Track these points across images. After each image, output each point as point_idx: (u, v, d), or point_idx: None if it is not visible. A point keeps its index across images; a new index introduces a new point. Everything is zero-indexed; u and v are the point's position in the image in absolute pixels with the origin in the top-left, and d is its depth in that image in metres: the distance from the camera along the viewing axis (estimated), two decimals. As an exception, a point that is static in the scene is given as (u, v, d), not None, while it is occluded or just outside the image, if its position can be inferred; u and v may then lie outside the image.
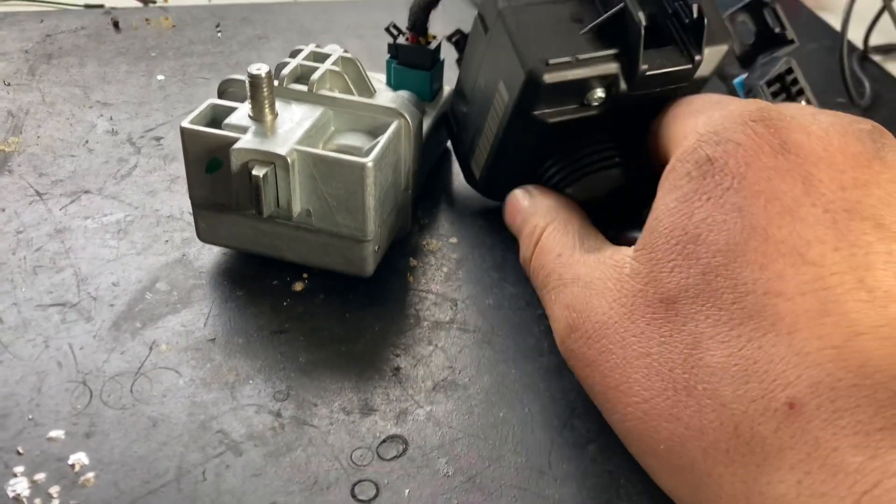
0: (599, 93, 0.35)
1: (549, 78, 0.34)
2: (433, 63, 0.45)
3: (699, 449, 0.25)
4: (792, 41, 0.42)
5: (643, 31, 0.34)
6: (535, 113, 0.35)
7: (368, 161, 0.34)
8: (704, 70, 0.36)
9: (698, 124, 0.29)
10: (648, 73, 0.34)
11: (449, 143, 0.50)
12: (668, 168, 0.29)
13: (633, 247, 0.30)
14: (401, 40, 0.45)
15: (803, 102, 0.44)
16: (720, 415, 0.25)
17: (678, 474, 0.26)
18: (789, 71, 0.42)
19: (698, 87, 0.38)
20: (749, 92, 0.45)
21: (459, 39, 0.46)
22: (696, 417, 0.25)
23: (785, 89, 0.44)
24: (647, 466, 0.29)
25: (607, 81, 0.35)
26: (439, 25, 0.45)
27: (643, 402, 0.27)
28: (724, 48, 0.36)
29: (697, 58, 0.35)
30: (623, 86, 0.35)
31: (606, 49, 0.34)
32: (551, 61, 0.34)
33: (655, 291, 0.27)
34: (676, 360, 0.26)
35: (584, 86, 0.35)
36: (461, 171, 0.44)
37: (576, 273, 0.31)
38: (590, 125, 0.37)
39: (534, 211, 0.36)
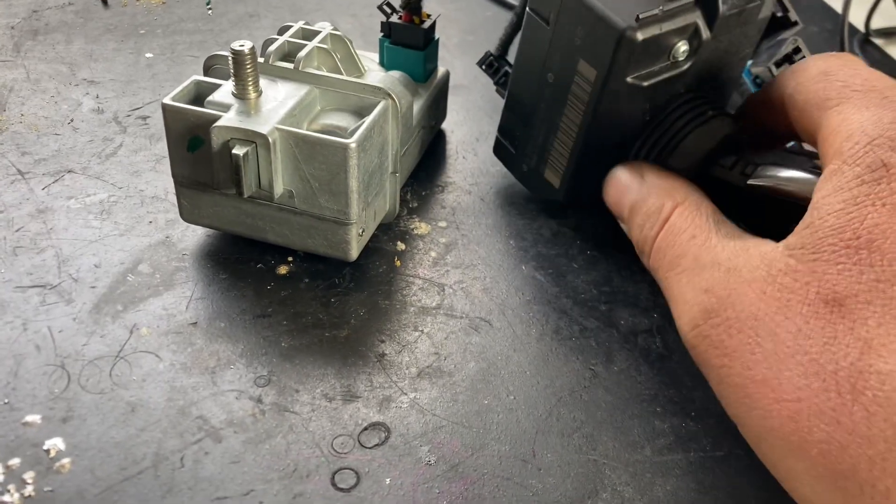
0: (684, 45, 0.35)
1: (642, 34, 0.33)
2: (427, 43, 0.44)
3: (864, 457, 0.24)
4: (796, 23, 0.41)
5: None
6: (630, 79, 0.34)
7: (351, 142, 0.33)
8: (766, 10, 0.37)
9: (866, 124, 0.28)
10: (728, 13, 0.35)
11: (444, 125, 0.49)
12: (831, 168, 0.28)
13: (783, 242, 0.28)
14: (394, 19, 0.44)
15: None
16: (894, 425, 0.24)
17: (831, 480, 0.25)
18: (797, 50, 0.41)
19: (759, 29, 0.38)
20: (756, 79, 0.44)
21: (493, 61, 0.44)
22: (862, 424, 0.24)
23: None
24: (786, 467, 0.27)
25: (690, 31, 0.35)
26: (434, 4, 0.45)
27: (796, 402, 0.26)
28: None
29: None
30: (705, 34, 0.35)
31: None
32: (642, 16, 0.33)
33: (818, 291, 0.26)
34: (842, 363, 0.25)
35: (669, 41, 0.34)
36: (530, 191, 0.42)
37: (715, 257, 0.30)
38: (674, 86, 0.36)
39: (653, 189, 0.35)
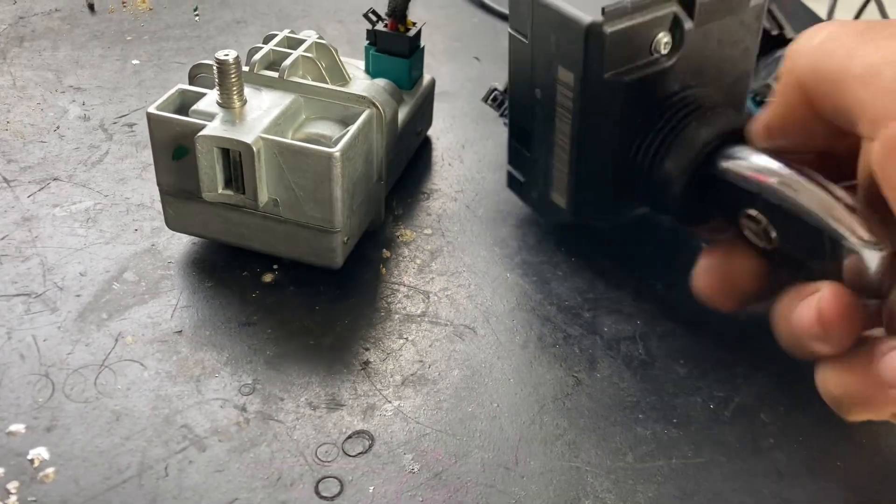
0: (665, 37, 0.34)
1: (610, 27, 0.33)
2: (412, 50, 0.45)
3: None
4: (791, 39, 0.41)
5: None
6: (607, 76, 0.34)
7: (336, 151, 0.33)
8: None
9: None
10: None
11: (430, 132, 0.49)
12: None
13: None
14: (380, 26, 0.44)
15: None
16: None
17: None
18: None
19: (757, 16, 0.37)
20: (756, 96, 0.44)
21: (497, 95, 0.44)
22: None
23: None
24: None
25: (669, 22, 0.34)
26: (420, 11, 0.45)
27: None
28: None
29: None
30: (687, 23, 0.34)
31: None
32: (607, 9, 0.32)
33: None
34: None
35: (647, 34, 0.34)
36: (544, 221, 0.42)
37: None
38: (665, 83, 0.35)
39: None
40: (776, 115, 0.31)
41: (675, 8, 0.34)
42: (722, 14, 0.35)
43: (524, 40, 0.37)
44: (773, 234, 0.31)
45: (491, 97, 0.44)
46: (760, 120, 0.32)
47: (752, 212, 0.31)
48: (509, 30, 0.38)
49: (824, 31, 0.29)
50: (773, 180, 0.30)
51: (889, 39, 0.27)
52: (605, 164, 0.37)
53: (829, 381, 0.29)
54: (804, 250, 0.30)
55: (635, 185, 0.36)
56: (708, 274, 0.34)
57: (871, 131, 0.26)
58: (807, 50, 0.29)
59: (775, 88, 0.40)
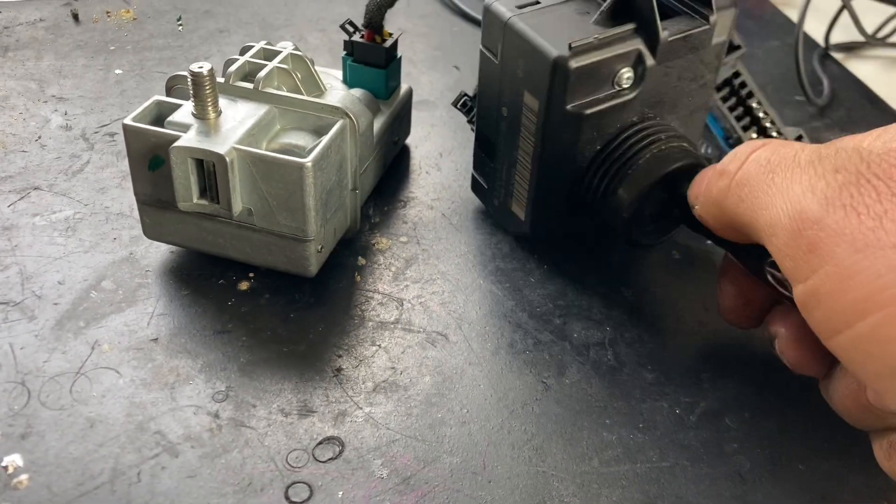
0: (628, 73, 0.35)
1: (576, 62, 0.34)
2: (388, 61, 0.45)
3: None
4: (739, 47, 0.42)
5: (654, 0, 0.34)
6: (570, 107, 0.35)
7: (307, 161, 0.34)
8: (720, 34, 0.37)
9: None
10: (671, 38, 0.35)
11: (408, 140, 0.50)
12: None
13: None
14: (356, 37, 0.45)
15: (754, 104, 0.44)
16: None
17: None
18: (736, 74, 0.42)
19: (717, 54, 0.38)
20: (728, 139, 0.45)
21: (467, 101, 0.45)
22: None
23: (734, 93, 0.44)
24: None
25: (633, 58, 0.35)
26: (401, 20, 0.45)
27: None
28: (733, 11, 0.37)
29: (712, 18, 0.36)
30: (649, 60, 0.35)
31: (623, 27, 0.35)
32: (574, 45, 0.34)
33: None
34: None
35: (610, 68, 0.35)
36: (503, 227, 0.43)
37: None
38: (624, 113, 0.36)
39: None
40: (704, 213, 0.33)
41: (639, 45, 0.35)
42: (684, 52, 0.37)
43: (494, 60, 0.38)
44: None
45: (461, 102, 0.44)
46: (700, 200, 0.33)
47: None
48: (481, 46, 0.38)
49: (744, 164, 0.29)
50: None
51: (792, 182, 0.27)
52: (563, 185, 0.38)
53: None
54: None
55: (590, 205, 0.38)
56: (728, 297, 0.35)
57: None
58: (725, 184, 0.30)
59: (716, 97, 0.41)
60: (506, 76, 0.37)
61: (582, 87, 0.35)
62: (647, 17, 0.35)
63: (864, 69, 0.62)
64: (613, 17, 0.36)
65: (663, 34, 0.35)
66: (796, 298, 0.27)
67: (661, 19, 0.35)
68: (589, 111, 0.35)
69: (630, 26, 0.35)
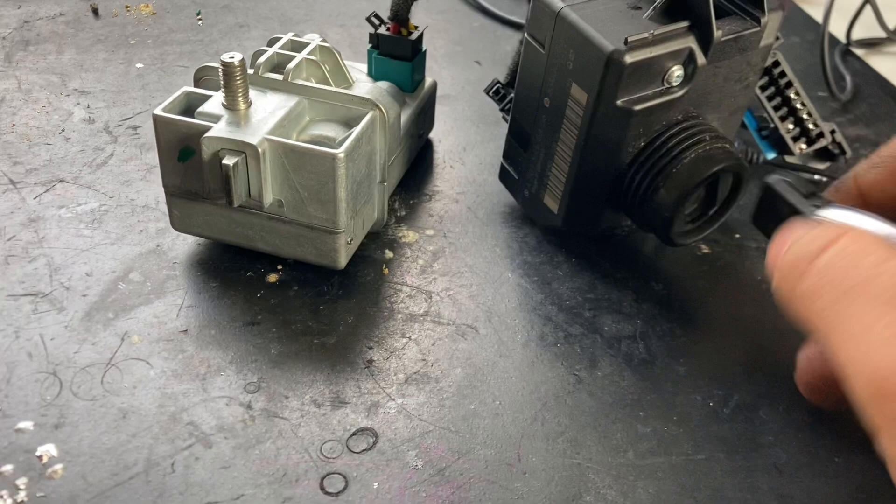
0: (678, 71, 0.35)
1: (631, 57, 0.33)
2: (414, 54, 0.45)
3: None
4: (777, 38, 0.42)
5: None
6: (620, 102, 0.35)
7: (340, 152, 0.34)
8: (768, 36, 0.37)
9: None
10: (724, 38, 0.35)
11: (431, 134, 0.50)
12: None
13: None
14: (382, 30, 0.45)
15: (793, 94, 0.44)
16: None
17: None
18: (776, 63, 0.42)
19: (764, 56, 0.38)
20: (762, 130, 0.45)
21: (499, 88, 0.44)
22: None
23: (773, 82, 0.44)
24: None
25: (684, 56, 0.35)
26: (421, 15, 0.45)
27: None
28: (780, 13, 0.37)
29: (764, 19, 0.36)
30: (700, 59, 0.35)
31: (678, 24, 0.35)
32: (630, 39, 0.33)
33: None
34: None
35: (662, 65, 0.35)
36: (532, 218, 0.43)
37: None
38: (670, 111, 0.36)
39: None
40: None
41: (691, 44, 0.35)
42: (733, 53, 0.36)
43: (540, 49, 0.37)
44: None
45: (493, 90, 0.44)
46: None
47: None
48: (525, 34, 0.38)
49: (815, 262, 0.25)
50: None
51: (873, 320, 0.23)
52: (602, 180, 0.38)
53: None
54: None
55: (628, 204, 0.38)
56: (809, 376, 0.33)
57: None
58: (791, 286, 0.25)
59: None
60: (553, 67, 0.37)
61: (634, 83, 0.35)
62: (703, 15, 0.34)
63: (886, 65, 0.62)
64: (667, 13, 0.35)
65: (717, 33, 0.35)
66: (879, 452, 0.24)
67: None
68: (638, 107, 0.35)
69: (684, 24, 0.35)
